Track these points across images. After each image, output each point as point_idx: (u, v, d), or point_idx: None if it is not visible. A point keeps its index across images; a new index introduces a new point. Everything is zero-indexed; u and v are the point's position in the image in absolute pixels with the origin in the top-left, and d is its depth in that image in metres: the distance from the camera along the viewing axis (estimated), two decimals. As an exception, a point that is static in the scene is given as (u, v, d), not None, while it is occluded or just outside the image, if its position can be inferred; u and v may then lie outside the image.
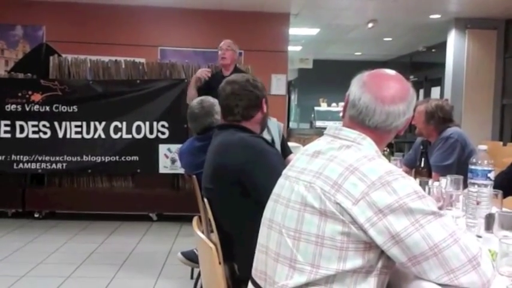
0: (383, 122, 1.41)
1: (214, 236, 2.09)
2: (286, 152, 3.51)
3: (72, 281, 3.73)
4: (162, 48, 7.82)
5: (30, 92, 5.43)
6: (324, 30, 9.32)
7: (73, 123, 5.44)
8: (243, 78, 2.27)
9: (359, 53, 12.24)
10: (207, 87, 4.41)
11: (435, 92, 10.29)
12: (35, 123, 5.42)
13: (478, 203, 1.86)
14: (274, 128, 3.48)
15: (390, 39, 10.17)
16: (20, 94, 5.42)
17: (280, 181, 1.50)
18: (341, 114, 1.53)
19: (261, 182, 1.91)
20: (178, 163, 4.97)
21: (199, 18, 7.74)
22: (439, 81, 9.88)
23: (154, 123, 5.46)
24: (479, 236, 1.76)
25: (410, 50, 11.29)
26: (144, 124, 5.46)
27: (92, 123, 5.45)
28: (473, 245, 1.27)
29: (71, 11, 7.57)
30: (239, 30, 7.25)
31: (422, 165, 3.02)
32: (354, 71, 1.52)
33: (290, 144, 3.99)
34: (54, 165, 5.43)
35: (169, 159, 5.47)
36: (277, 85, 7.95)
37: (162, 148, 5.47)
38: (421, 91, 10.71)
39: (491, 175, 2.07)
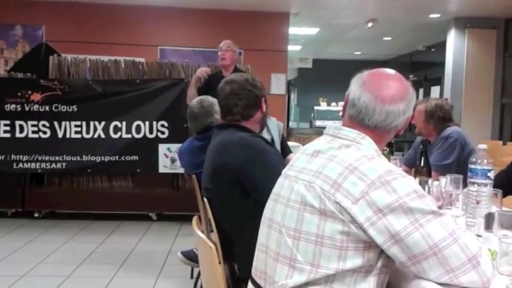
0: (383, 121, 1.41)
1: (214, 235, 2.09)
2: (285, 151, 3.51)
3: (72, 280, 3.73)
4: (161, 47, 7.82)
5: (29, 92, 5.43)
6: (324, 29, 9.32)
7: (73, 123, 5.44)
8: (242, 78, 2.27)
9: (359, 53, 12.23)
10: (206, 87, 4.41)
11: (435, 91, 10.28)
12: (35, 123, 5.42)
13: (477, 202, 1.86)
14: (274, 127, 3.47)
15: (390, 38, 10.16)
16: (19, 94, 5.42)
17: (280, 180, 1.50)
18: (341, 113, 1.53)
19: (260, 182, 1.91)
20: (178, 163, 4.97)
21: (199, 18, 7.74)
22: (438, 81, 9.87)
23: (154, 122, 5.46)
24: (479, 235, 1.76)
25: (410, 49, 11.28)
26: (144, 124, 5.46)
27: (91, 123, 5.45)
28: (473, 244, 1.27)
29: (71, 10, 7.57)
30: (239, 29, 7.26)
31: (422, 164, 3.02)
32: (353, 70, 1.52)
33: (290, 143, 3.98)
34: (53, 165, 5.43)
35: (169, 158, 5.47)
36: (277, 84, 7.95)
37: (162, 148, 5.47)
38: (421, 90, 10.69)
39: (491, 174, 2.07)
